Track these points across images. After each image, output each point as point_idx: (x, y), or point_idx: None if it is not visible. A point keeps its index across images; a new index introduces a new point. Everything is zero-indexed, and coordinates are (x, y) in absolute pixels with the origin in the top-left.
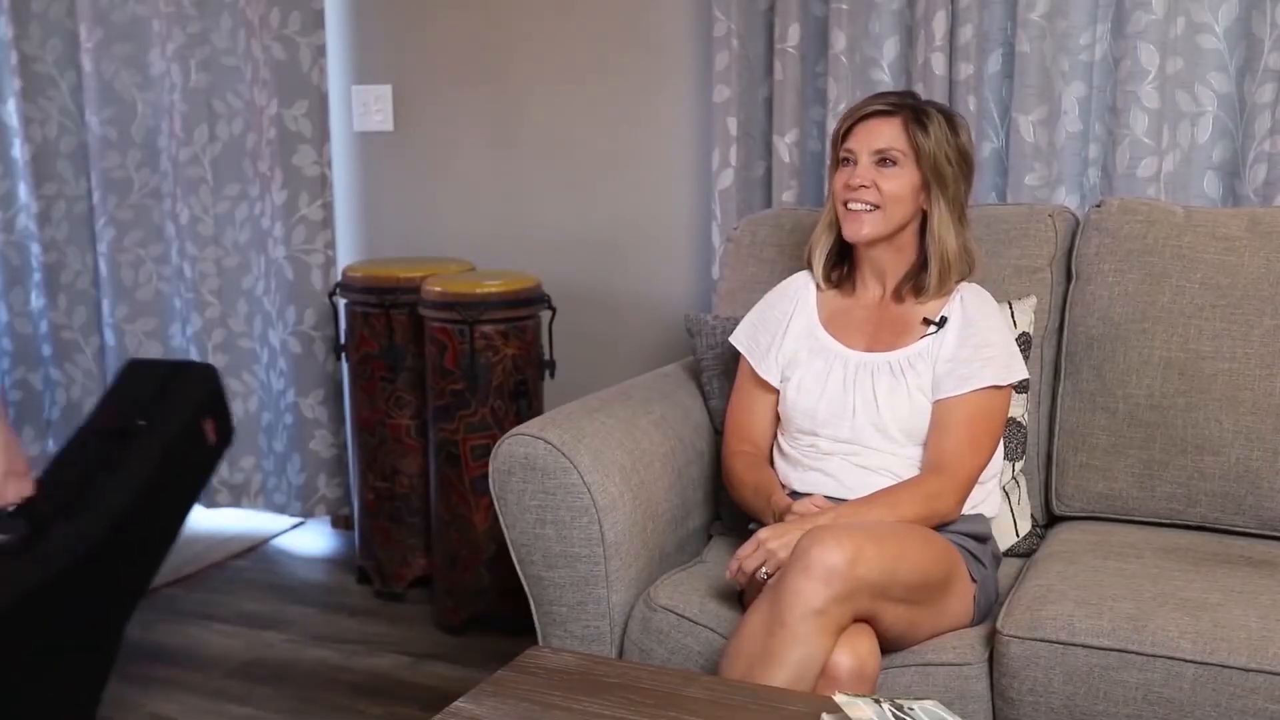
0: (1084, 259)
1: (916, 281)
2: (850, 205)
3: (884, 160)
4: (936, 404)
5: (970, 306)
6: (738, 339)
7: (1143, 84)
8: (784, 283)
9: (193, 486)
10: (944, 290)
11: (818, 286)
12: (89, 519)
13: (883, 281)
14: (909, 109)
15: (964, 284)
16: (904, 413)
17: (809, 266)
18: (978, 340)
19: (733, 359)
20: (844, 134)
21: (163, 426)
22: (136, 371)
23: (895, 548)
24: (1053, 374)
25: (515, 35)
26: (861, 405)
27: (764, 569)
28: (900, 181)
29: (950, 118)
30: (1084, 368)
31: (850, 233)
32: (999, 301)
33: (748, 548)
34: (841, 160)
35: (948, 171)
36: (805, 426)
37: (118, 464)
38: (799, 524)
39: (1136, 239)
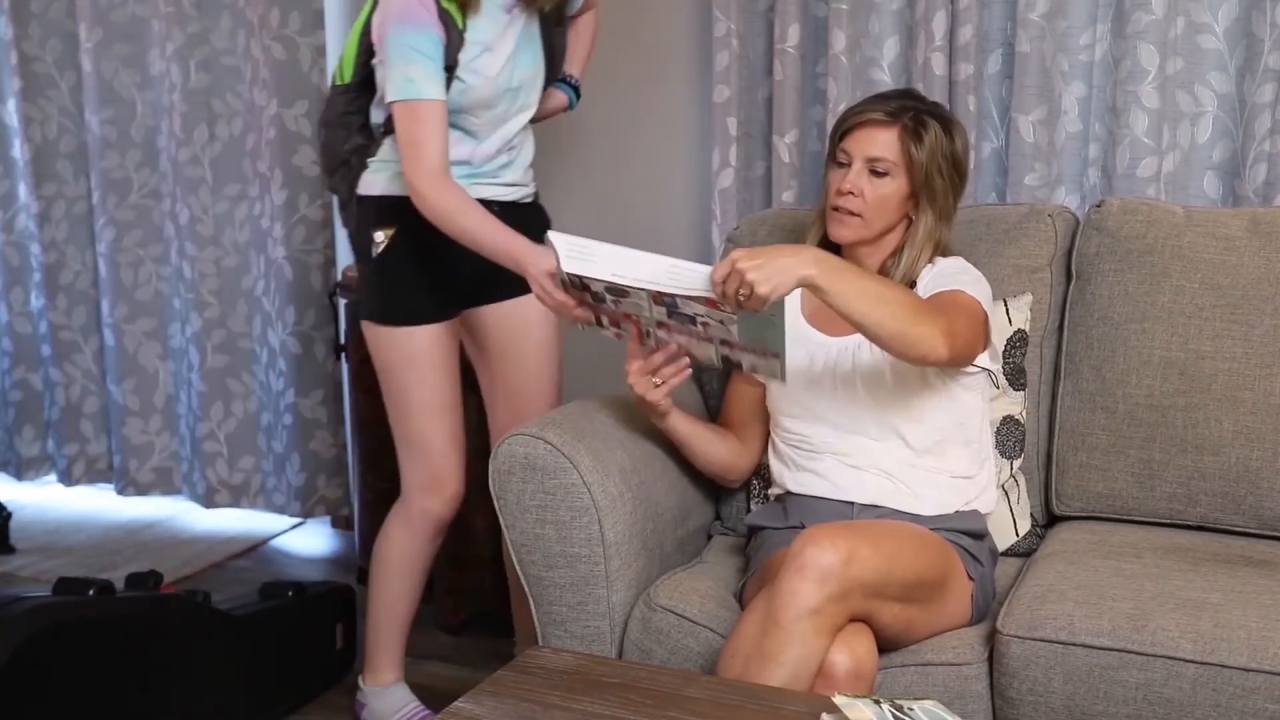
0: (1084, 259)
1: (884, 269)
2: (835, 212)
3: (875, 169)
4: None
5: (946, 267)
6: None
7: (1143, 84)
8: None
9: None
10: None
11: None
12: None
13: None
14: (908, 117)
15: (941, 259)
16: (880, 386)
17: None
18: (938, 279)
19: None
20: (843, 133)
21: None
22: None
23: (890, 548)
24: (1053, 374)
25: None
26: (842, 384)
27: (740, 290)
28: (888, 191)
29: (948, 124)
30: (1084, 367)
31: (834, 234)
32: (996, 300)
33: (721, 269)
34: (838, 161)
35: (938, 184)
36: (786, 410)
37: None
38: (771, 251)
39: (1136, 239)
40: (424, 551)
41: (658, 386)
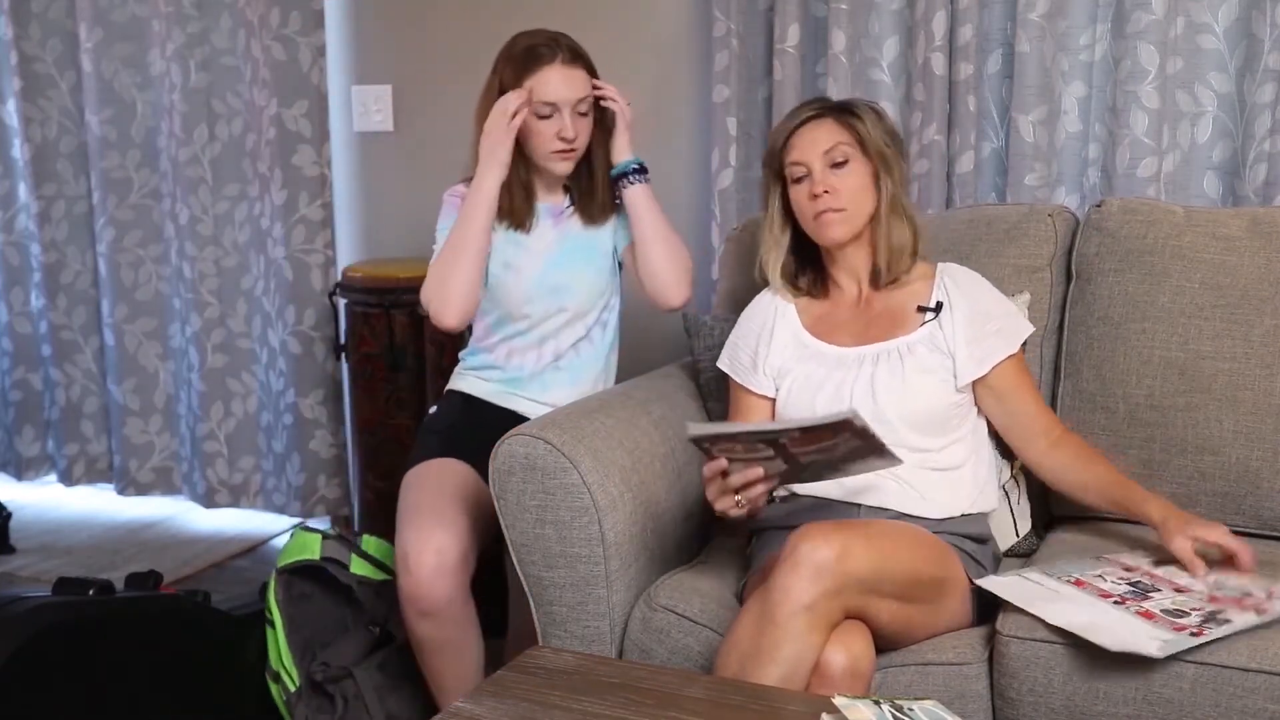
0: (1084, 259)
1: (875, 267)
2: (821, 217)
3: (834, 163)
4: (975, 384)
5: (961, 284)
6: (723, 362)
7: (1143, 84)
8: (754, 300)
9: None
10: (906, 272)
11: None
12: None
13: (857, 279)
14: (832, 108)
15: (941, 264)
16: (898, 394)
17: (767, 284)
18: (980, 316)
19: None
20: (782, 150)
21: None
22: None
23: (885, 545)
24: (1053, 374)
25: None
26: (859, 396)
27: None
28: (856, 178)
29: (867, 103)
30: (1084, 367)
31: (825, 238)
32: None
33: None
34: (794, 179)
35: (890, 154)
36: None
37: None
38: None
39: (1136, 239)
40: (420, 629)
41: (740, 505)
